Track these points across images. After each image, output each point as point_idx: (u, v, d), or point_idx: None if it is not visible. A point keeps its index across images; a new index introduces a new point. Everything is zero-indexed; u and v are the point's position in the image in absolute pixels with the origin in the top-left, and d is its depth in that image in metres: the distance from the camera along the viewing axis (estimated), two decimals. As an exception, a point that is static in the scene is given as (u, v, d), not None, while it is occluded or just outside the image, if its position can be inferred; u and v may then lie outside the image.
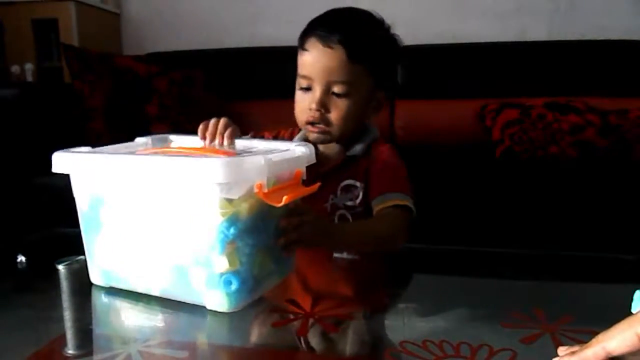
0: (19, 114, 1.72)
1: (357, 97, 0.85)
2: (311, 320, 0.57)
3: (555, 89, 1.88)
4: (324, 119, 0.86)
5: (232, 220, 0.56)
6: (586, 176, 1.51)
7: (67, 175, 0.64)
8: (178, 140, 0.77)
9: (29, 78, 2.25)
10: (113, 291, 0.65)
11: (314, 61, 0.84)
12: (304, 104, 0.86)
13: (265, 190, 0.57)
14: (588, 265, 0.79)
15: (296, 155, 0.65)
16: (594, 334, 0.43)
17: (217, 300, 0.58)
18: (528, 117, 1.76)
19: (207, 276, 0.58)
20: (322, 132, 0.87)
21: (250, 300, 0.61)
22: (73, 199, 0.65)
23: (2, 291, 0.70)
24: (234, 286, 0.58)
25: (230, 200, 0.55)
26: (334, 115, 0.85)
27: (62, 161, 0.63)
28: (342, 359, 0.52)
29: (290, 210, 0.64)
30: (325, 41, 0.83)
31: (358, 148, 0.90)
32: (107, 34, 2.51)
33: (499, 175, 1.59)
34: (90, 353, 0.50)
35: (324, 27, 0.85)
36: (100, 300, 0.64)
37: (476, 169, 1.63)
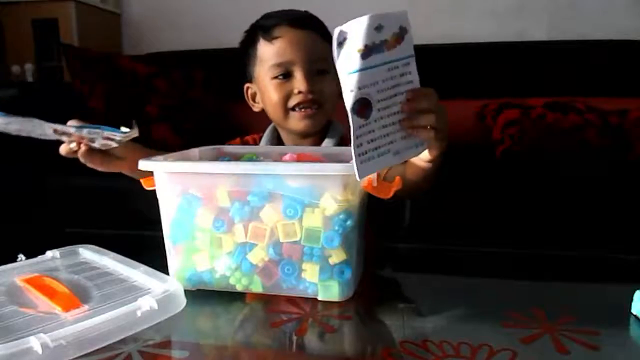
0: (19, 114, 1.71)
1: (333, 75, 0.86)
2: (310, 320, 0.57)
3: (555, 89, 1.88)
4: (313, 101, 0.85)
5: (348, 213, 0.60)
6: (586, 176, 1.51)
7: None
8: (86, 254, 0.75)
9: (29, 78, 2.25)
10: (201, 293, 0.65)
11: (293, 43, 0.85)
12: (286, 91, 0.86)
13: (375, 185, 0.62)
14: (588, 265, 0.79)
15: None
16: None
17: (331, 290, 0.62)
18: (528, 117, 1.76)
19: (320, 268, 0.61)
20: (314, 115, 0.87)
21: (355, 289, 0.64)
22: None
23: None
24: (347, 275, 0.61)
25: (347, 195, 0.60)
26: (321, 95, 0.86)
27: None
28: (342, 359, 0.52)
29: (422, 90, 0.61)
30: (296, 25, 0.85)
31: (329, 144, 0.90)
32: (107, 34, 2.51)
33: (499, 175, 1.59)
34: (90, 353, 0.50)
35: (286, 16, 0.86)
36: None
37: (476, 169, 1.63)
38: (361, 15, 0.56)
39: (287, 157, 0.73)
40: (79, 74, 1.91)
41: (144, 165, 0.64)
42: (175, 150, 0.74)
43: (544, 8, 2.22)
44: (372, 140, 0.59)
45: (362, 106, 0.58)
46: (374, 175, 0.62)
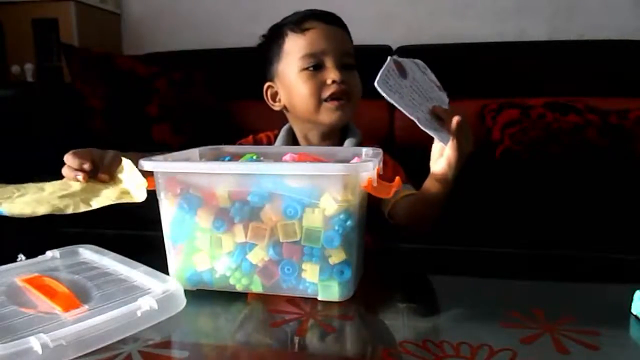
0: (19, 114, 1.72)
1: (357, 73, 0.87)
2: (310, 320, 0.57)
3: (555, 89, 1.88)
4: (345, 93, 0.85)
5: (348, 213, 0.60)
6: (586, 176, 1.51)
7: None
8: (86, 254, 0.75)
9: (29, 78, 2.25)
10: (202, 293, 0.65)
11: (324, 35, 0.86)
12: (318, 82, 0.85)
13: (375, 185, 0.62)
14: (588, 265, 0.79)
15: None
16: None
17: (331, 290, 0.62)
18: (528, 117, 1.76)
19: (320, 268, 0.61)
20: (345, 107, 0.86)
21: (355, 289, 0.64)
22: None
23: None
24: (347, 275, 0.61)
25: (347, 195, 0.60)
26: (350, 87, 0.86)
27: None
28: (342, 359, 0.52)
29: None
30: (326, 20, 0.87)
31: (350, 144, 0.90)
32: (107, 34, 2.51)
33: (499, 175, 1.59)
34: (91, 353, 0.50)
35: (315, 11, 0.88)
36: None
37: (476, 169, 1.63)
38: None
39: (287, 157, 0.73)
40: (79, 74, 1.91)
41: (144, 165, 0.64)
42: (175, 150, 0.74)
43: (544, 8, 2.22)
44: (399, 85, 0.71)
45: (399, 66, 0.71)
46: (374, 175, 0.62)
